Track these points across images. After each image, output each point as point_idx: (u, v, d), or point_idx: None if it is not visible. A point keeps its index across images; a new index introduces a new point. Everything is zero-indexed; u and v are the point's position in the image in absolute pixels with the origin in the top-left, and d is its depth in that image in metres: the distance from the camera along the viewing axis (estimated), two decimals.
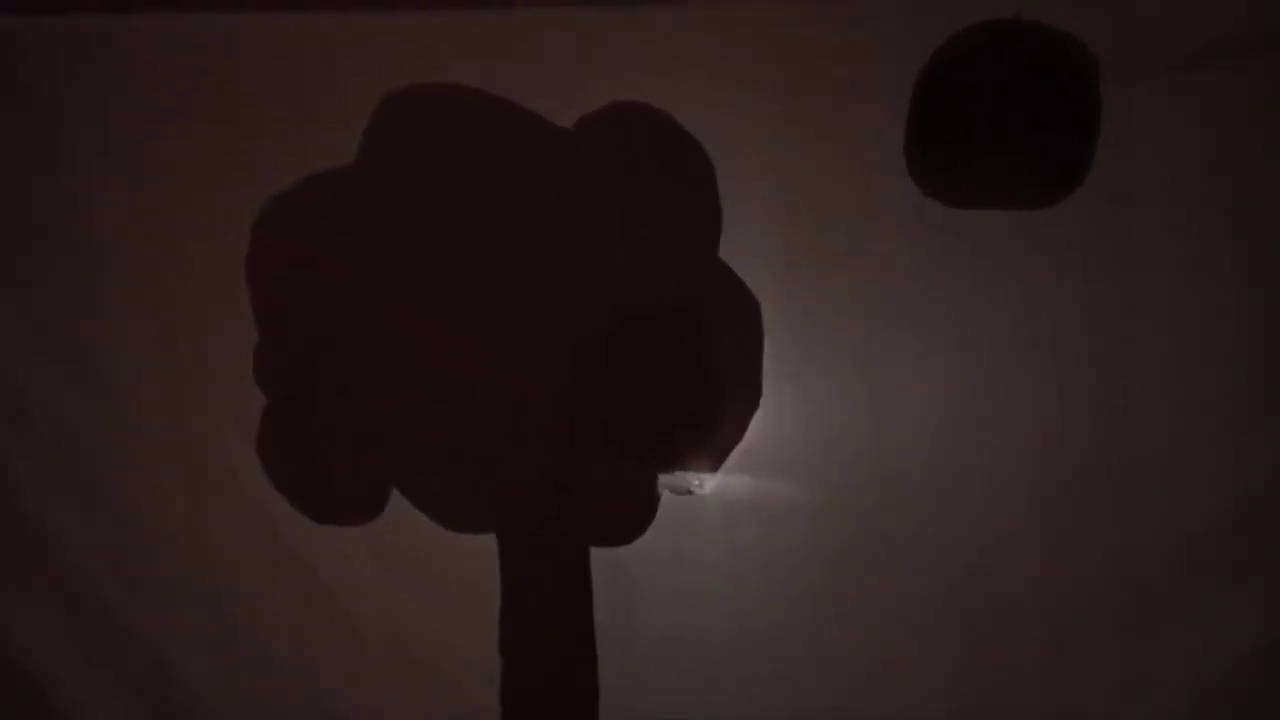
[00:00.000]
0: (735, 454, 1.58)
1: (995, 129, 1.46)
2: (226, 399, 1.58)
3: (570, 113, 1.53)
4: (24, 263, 1.56)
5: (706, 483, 1.58)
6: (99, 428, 1.59)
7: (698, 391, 1.57)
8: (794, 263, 1.56)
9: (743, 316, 1.56)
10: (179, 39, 1.53)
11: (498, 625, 1.59)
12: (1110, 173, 1.48)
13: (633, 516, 1.58)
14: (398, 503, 1.59)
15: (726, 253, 1.56)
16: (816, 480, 1.58)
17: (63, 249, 1.56)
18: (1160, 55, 1.49)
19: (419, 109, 1.54)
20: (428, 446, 1.58)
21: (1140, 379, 1.56)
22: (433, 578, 1.61)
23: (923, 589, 1.59)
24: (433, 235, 1.56)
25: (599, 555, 1.59)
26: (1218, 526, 1.56)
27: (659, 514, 1.59)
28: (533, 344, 1.56)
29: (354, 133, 1.54)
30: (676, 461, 1.58)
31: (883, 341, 1.57)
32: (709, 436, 1.57)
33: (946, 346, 1.57)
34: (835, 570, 1.59)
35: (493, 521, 1.59)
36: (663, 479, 1.58)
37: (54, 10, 1.51)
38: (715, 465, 1.57)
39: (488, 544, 1.58)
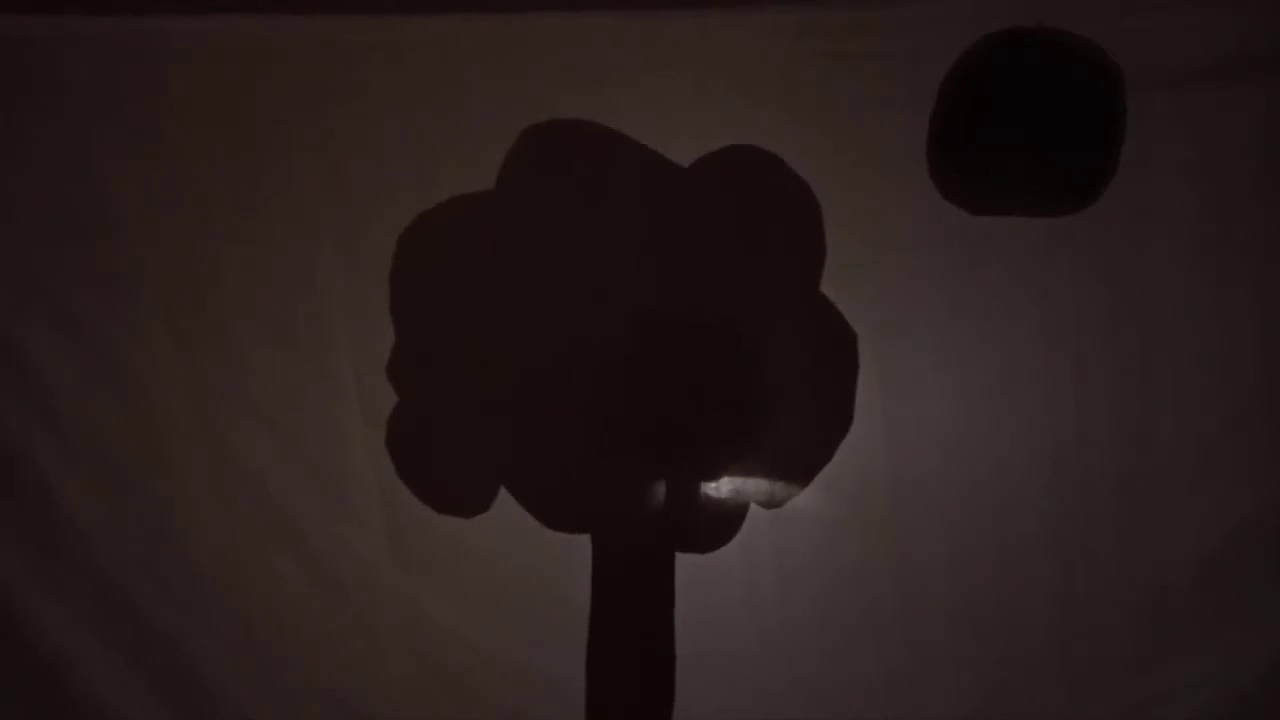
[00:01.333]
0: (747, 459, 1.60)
1: (1018, 138, 1.46)
2: (249, 397, 1.59)
3: (593, 121, 1.55)
4: (51, 261, 1.58)
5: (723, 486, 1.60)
6: (123, 424, 1.60)
7: (751, 403, 1.58)
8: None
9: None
10: (202, 40, 1.54)
11: (554, 625, 1.60)
12: (1129, 185, 1.47)
13: (718, 529, 1.59)
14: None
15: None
16: (832, 488, 1.59)
17: (88, 247, 1.57)
18: (1180, 68, 1.50)
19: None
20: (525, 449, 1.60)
21: (1156, 392, 1.56)
22: (450, 575, 1.62)
23: (936, 597, 1.59)
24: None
25: None
26: (1232, 541, 1.56)
27: None
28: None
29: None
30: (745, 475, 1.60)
31: (899, 351, 1.57)
32: (768, 449, 1.58)
33: (963, 357, 1.58)
34: (849, 577, 1.60)
35: (587, 525, 1.60)
36: (744, 490, 1.59)
37: (80, 11, 1.53)
38: (802, 483, 1.58)
39: (503, 542, 1.59)
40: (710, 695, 1.61)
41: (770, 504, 1.59)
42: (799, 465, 1.58)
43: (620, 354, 1.57)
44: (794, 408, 1.57)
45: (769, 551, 1.60)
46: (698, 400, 1.57)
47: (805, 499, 1.59)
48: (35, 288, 1.58)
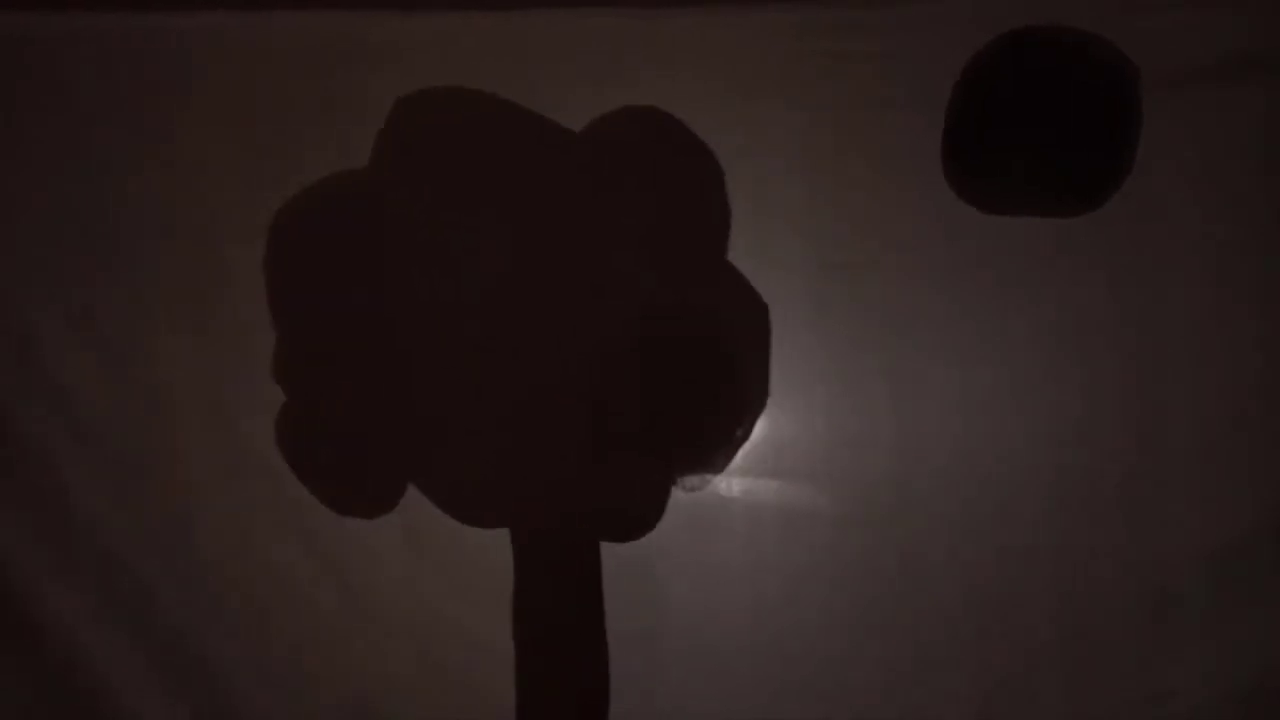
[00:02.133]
0: (757, 459, 1.59)
1: (1031, 139, 1.47)
2: (262, 393, 1.60)
3: (595, 118, 1.56)
4: (64, 256, 1.59)
5: (733, 484, 1.60)
6: (136, 418, 1.61)
7: (718, 394, 1.59)
8: (823, 272, 1.58)
9: (754, 319, 1.58)
10: (215, 36, 1.56)
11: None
12: (1137, 185, 1.49)
13: (645, 515, 1.59)
14: (424, 497, 1.61)
15: (754, 261, 1.58)
16: (838, 486, 1.59)
17: (100, 242, 1.59)
18: (1181, 68, 1.50)
19: (447, 111, 1.57)
20: (447, 443, 1.60)
21: (1161, 392, 1.56)
22: (462, 572, 1.62)
23: (942, 596, 1.59)
24: (458, 235, 1.58)
25: (622, 560, 1.60)
26: (1236, 541, 1.56)
27: (681, 518, 1.60)
28: (555, 345, 1.58)
29: (385, 133, 1.57)
30: (696, 462, 1.59)
31: (906, 350, 1.58)
32: (728, 437, 1.59)
33: (967, 357, 1.58)
34: (855, 576, 1.60)
35: (509, 519, 1.60)
36: (689, 482, 1.60)
37: (88, 9, 1.56)
38: (723, 465, 1.59)
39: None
40: (714, 695, 1.61)
41: (691, 488, 1.59)
42: (722, 447, 1.58)
43: (621, 355, 1.57)
44: (716, 388, 1.58)
45: (774, 551, 1.60)
46: (617, 388, 1.58)
47: (810, 497, 1.59)
48: (48, 282, 1.59)
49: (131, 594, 1.62)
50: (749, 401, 1.58)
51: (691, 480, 1.59)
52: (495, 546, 1.60)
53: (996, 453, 1.58)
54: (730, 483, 1.60)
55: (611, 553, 1.60)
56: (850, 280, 1.58)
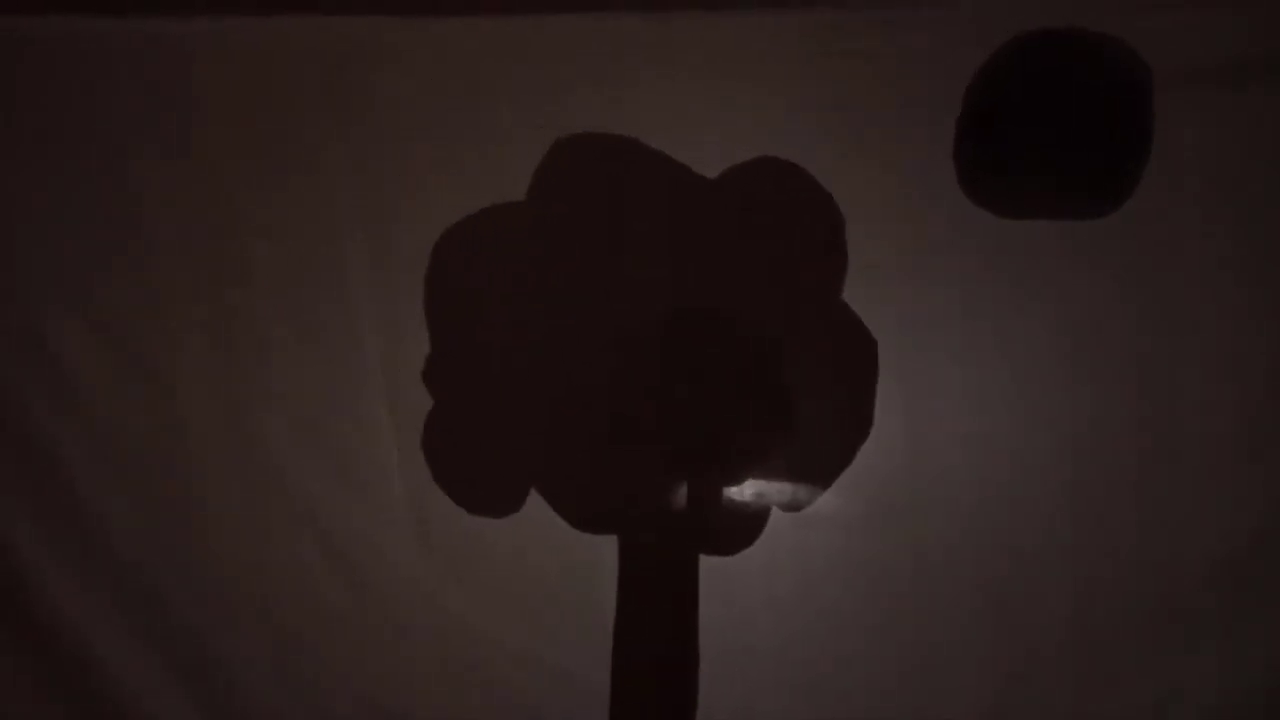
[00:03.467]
0: (770, 462, 1.61)
1: (1042, 140, 1.47)
2: (275, 392, 1.61)
3: (612, 120, 1.56)
4: (79, 258, 1.60)
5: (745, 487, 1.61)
6: (151, 418, 1.62)
7: (771, 408, 1.60)
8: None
9: (848, 347, 1.59)
10: (230, 39, 1.57)
11: (578, 622, 1.62)
12: (1152, 187, 1.49)
13: (740, 530, 1.60)
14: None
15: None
16: (852, 486, 1.59)
17: (116, 243, 1.60)
18: (1204, 70, 1.50)
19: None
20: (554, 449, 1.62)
21: (1174, 393, 1.56)
22: (475, 570, 1.63)
23: (953, 596, 1.59)
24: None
25: None
26: (1249, 541, 1.56)
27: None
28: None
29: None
30: (768, 477, 1.61)
31: (919, 351, 1.58)
32: (791, 452, 1.60)
33: (982, 357, 1.58)
34: (869, 576, 1.61)
35: (612, 525, 1.61)
36: (766, 492, 1.61)
37: (106, 14, 1.56)
38: (823, 485, 1.59)
39: (528, 539, 1.60)
40: (730, 694, 1.61)
41: (791, 507, 1.60)
42: (820, 468, 1.59)
43: (644, 355, 1.58)
44: (816, 412, 1.58)
45: (789, 550, 1.61)
46: (723, 403, 1.59)
47: (825, 499, 1.60)
48: (63, 284, 1.60)
49: (144, 594, 1.63)
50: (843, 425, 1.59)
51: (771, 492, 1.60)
52: (507, 546, 1.61)
53: (1008, 454, 1.59)
54: (768, 490, 1.61)
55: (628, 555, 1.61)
56: (862, 282, 1.58)
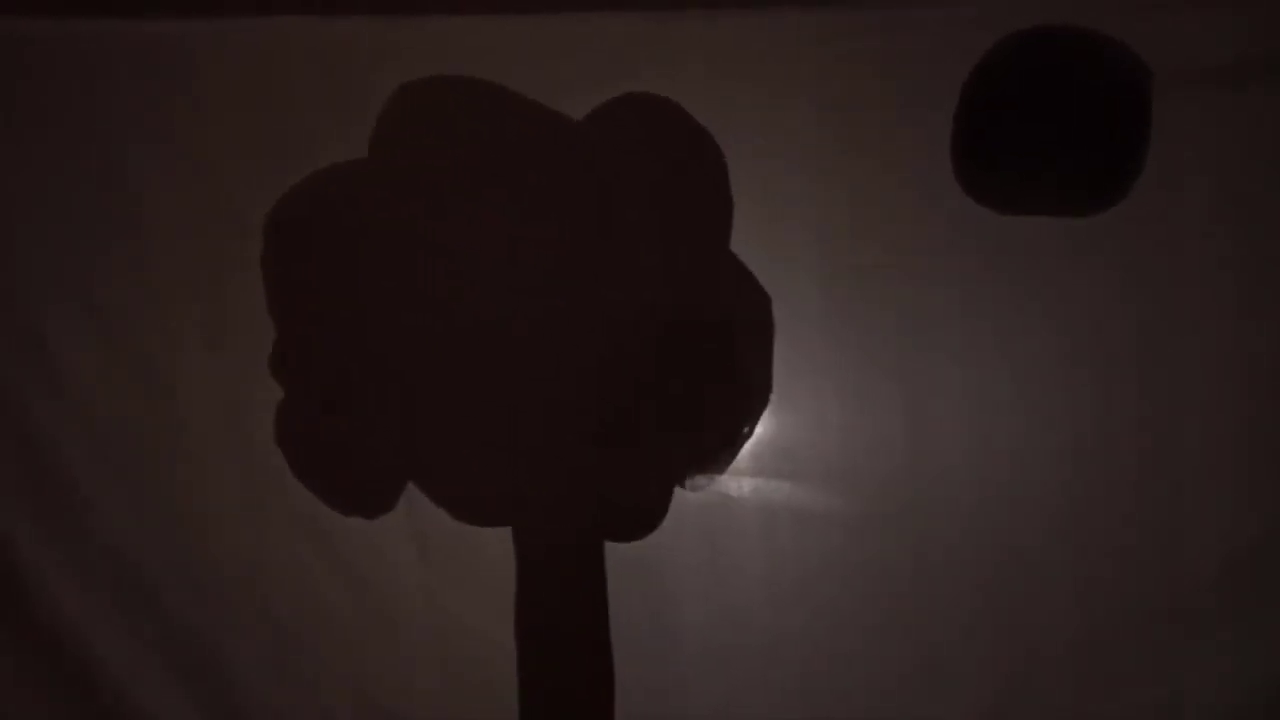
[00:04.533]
0: (773, 459, 1.60)
1: (1042, 138, 1.47)
2: (275, 392, 1.60)
3: (607, 120, 1.56)
4: (80, 258, 1.60)
5: (745, 485, 1.60)
6: (151, 420, 1.62)
7: (722, 392, 1.59)
8: (835, 273, 1.58)
9: (758, 315, 1.57)
10: (230, 40, 1.57)
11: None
12: (1153, 187, 1.48)
13: (650, 514, 1.59)
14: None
15: (768, 263, 1.58)
16: (852, 487, 1.60)
17: (116, 244, 1.60)
18: (1205, 69, 1.50)
19: (457, 112, 1.57)
20: (451, 443, 1.60)
21: (1178, 393, 1.56)
22: (473, 572, 1.63)
23: (954, 598, 1.59)
24: (466, 235, 1.58)
25: (635, 561, 1.60)
26: (1253, 543, 1.56)
27: (694, 520, 1.61)
28: (559, 343, 1.58)
29: (396, 134, 1.57)
30: (701, 461, 1.59)
31: (921, 351, 1.58)
32: (733, 436, 1.59)
33: (983, 357, 1.58)
34: (869, 577, 1.60)
35: (511, 517, 1.60)
36: (695, 481, 1.60)
37: (107, 15, 1.56)
38: (724, 461, 1.58)
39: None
40: (728, 694, 1.61)
41: (696, 488, 1.59)
42: (727, 443, 1.59)
43: (633, 353, 1.58)
44: (719, 385, 1.58)
45: (790, 552, 1.61)
46: (615, 384, 1.58)
47: (824, 498, 1.59)
48: (64, 283, 1.60)
49: (144, 594, 1.63)
50: (753, 399, 1.58)
51: (698, 480, 1.59)
52: (506, 547, 1.61)
53: (1008, 454, 1.59)
54: (742, 484, 1.60)
55: (624, 554, 1.60)
56: (861, 281, 1.58)
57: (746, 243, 1.58)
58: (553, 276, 1.57)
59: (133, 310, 1.61)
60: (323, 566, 1.63)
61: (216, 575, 1.63)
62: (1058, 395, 1.58)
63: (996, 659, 1.59)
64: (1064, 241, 1.52)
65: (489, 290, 1.57)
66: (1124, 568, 1.58)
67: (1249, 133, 1.52)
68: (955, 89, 1.50)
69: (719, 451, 1.59)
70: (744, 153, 1.57)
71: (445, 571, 1.63)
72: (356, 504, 1.60)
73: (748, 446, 1.59)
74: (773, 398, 1.59)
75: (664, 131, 1.56)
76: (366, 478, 1.62)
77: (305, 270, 1.60)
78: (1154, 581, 1.58)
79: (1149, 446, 1.57)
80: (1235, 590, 1.56)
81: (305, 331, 1.60)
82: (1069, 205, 1.51)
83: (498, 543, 1.61)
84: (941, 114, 1.50)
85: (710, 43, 1.54)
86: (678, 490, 1.60)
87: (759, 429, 1.59)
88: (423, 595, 1.63)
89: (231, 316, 1.61)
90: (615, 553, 1.60)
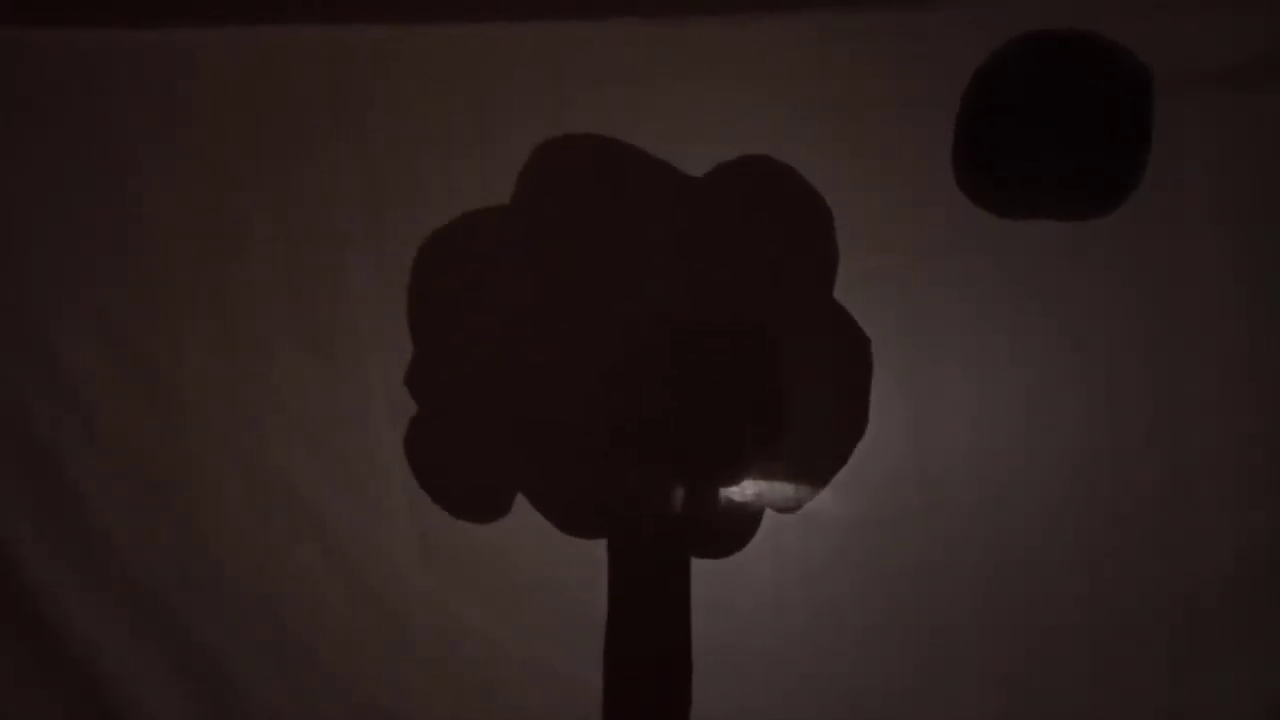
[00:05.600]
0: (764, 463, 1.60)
1: (1045, 141, 1.47)
2: (280, 400, 1.62)
3: (614, 124, 1.57)
4: (85, 266, 1.61)
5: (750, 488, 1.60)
6: (155, 427, 1.63)
7: (767, 408, 1.59)
8: (840, 277, 1.58)
9: (841, 345, 1.58)
10: (233, 48, 1.58)
11: (580, 628, 1.61)
12: (1157, 189, 1.48)
13: (734, 532, 1.60)
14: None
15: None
16: (859, 491, 1.59)
17: (122, 252, 1.61)
18: (1205, 70, 1.50)
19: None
20: (544, 454, 1.61)
21: (1187, 397, 1.55)
22: (480, 578, 1.63)
23: (960, 601, 1.59)
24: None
25: None
26: (1264, 550, 1.55)
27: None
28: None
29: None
30: (760, 478, 1.60)
31: (926, 355, 1.58)
32: (783, 453, 1.60)
33: (989, 361, 1.58)
34: (875, 580, 1.60)
35: (599, 530, 1.61)
36: (764, 493, 1.60)
37: (113, 25, 1.58)
38: (819, 485, 1.59)
39: (533, 546, 1.60)
40: (735, 696, 1.61)
41: (786, 508, 1.59)
42: (815, 469, 1.59)
43: (640, 358, 1.58)
44: (810, 412, 1.58)
45: (796, 553, 1.61)
46: (715, 404, 1.58)
47: (832, 502, 1.59)
48: (69, 292, 1.61)
49: (147, 597, 1.63)
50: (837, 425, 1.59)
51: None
52: (509, 551, 1.61)
53: (1015, 458, 1.58)
54: (759, 491, 1.60)
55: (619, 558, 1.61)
56: (868, 286, 1.58)
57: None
58: (568, 290, 1.59)
59: (136, 315, 1.62)
60: (326, 570, 1.63)
61: (220, 579, 1.63)
62: (1061, 397, 1.57)
63: (1000, 661, 1.59)
64: (1069, 245, 1.52)
65: (508, 304, 1.59)
66: (1128, 570, 1.57)
67: (1250, 133, 1.51)
68: (956, 91, 1.50)
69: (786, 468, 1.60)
70: (746, 156, 1.57)
71: (448, 574, 1.63)
72: (470, 510, 1.62)
73: None
74: None
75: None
76: (479, 485, 1.63)
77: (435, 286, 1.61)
78: (1159, 584, 1.57)
79: (1153, 448, 1.56)
80: (1242, 593, 1.55)
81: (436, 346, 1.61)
82: (1072, 208, 1.51)
83: (499, 545, 1.61)
84: (942, 115, 1.50)
85: (712, 47, 1.55)
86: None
87: None
88: (426, 599, 1.63)
89: (235, 323, 1.61)
90: None
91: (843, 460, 1.57)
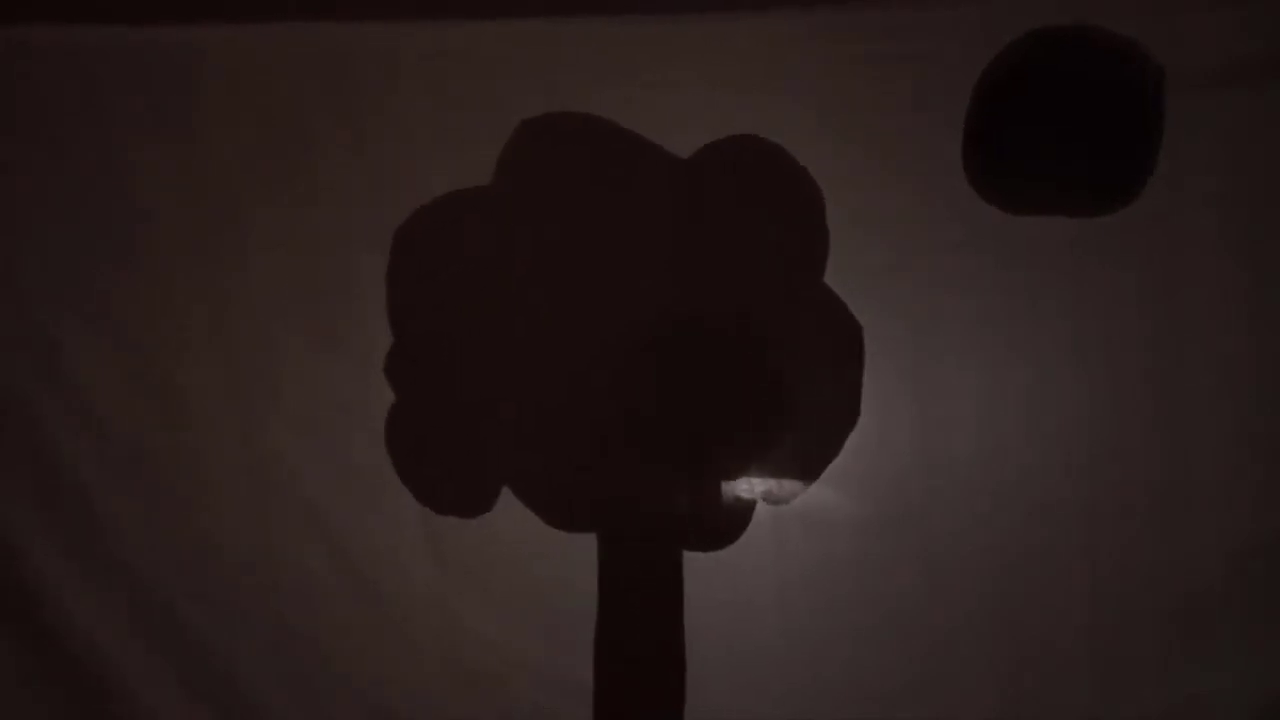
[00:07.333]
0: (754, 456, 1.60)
1: (1053, 137, 1.46)
2: (285, 398, 1.61)
3: (619, 121, 1.57)
4: (90, 266, 1.60)
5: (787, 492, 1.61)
6: (161, 425, 1.62)
7: (761, 400, 1.59)
8: (842, 274, 1.58)
9: (833, 334, 1.58)
10: (237, 46, 1.57)
11: (589, 631, 1.61)
12: (1162, 187, 1.47)
13: (725, 527, 1.60)
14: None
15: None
16: (863, 489, 1.59)
17: (126, 251, 1.60)
18: (1216, 70, 1.50)
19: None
20: (536, 451, 1.61)
21: (1190, 394, 1.56)
22: (487, 580, 1.63)
23: (965, 599, 1.59)
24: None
25: None
26: (1265, 547, 1.55)
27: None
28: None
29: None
30: (754, 472, 1.60)
31: (929, 353, 1.58)
32: (777, 445, 1.59)
33: (993, 359, 1.58)
34: (880, 579, 1.60)
35: (590, 524, 1.61)
36: (758, 488, 1.60)
37: (116, 23, 1.57)
38: (805, 477, 1.59)
39: (538, 546, 1.60)
40: (737, 695, 1.61)
41: (777, 501, 1.59)
42: (806, 461, 1.59)
43: (640, 358, 1.58)
44: (801, 403, 1.58)
45: (799, 553, 1.61)
46: (705, 398, 1.58)
47: (835, 501, 1.59)
48: (74, 291, 1.60)
49: (152, 598, 1.63)
50: (830, 416, 1.59)
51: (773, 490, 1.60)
52: (517, 552, 1.61)
53: (1019, 456, 1.59)
54: (753, 485, 1.60)
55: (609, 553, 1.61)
56: (872, 283, 1.58)
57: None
58: (569, 284, 1.59)
59: (141, 317, 1.61)
60: (333, 573, 1.63)
61: (226, 581, 1.63)
62: (1067, 396, 1.58)
63: (1005, 660, 1.59)
64: (1075, 245, 1.52)
65: (510, 299, 1.59)
66: (1133, 569, 1.58)
67: (1252, 133, 1.52)
68: (963, 90, 1.49)
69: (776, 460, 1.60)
70: (749, 156, 1.57)
71: (456, 577, 1.63)
72: (458, 504, 1.61)
73: None
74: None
75: (673, 139, 1.57)
76: (469, 479, 1.62)
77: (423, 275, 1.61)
78: (1163, 583, 1.57)
79: (1158, 447, 1.57)
80: (1245, 592, 1.56)
81: (421, 335, 1.61)
82: (1079, 206, 1.50)
83: (509, 548, 1.61)
84: (944, 114, 1.49)
85: (711, 44, 1.55)
86: None
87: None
88: (433, 603, 1.63)
89: (243, 323, 1.61)
90: None
91: (834, 453, 1.57)
